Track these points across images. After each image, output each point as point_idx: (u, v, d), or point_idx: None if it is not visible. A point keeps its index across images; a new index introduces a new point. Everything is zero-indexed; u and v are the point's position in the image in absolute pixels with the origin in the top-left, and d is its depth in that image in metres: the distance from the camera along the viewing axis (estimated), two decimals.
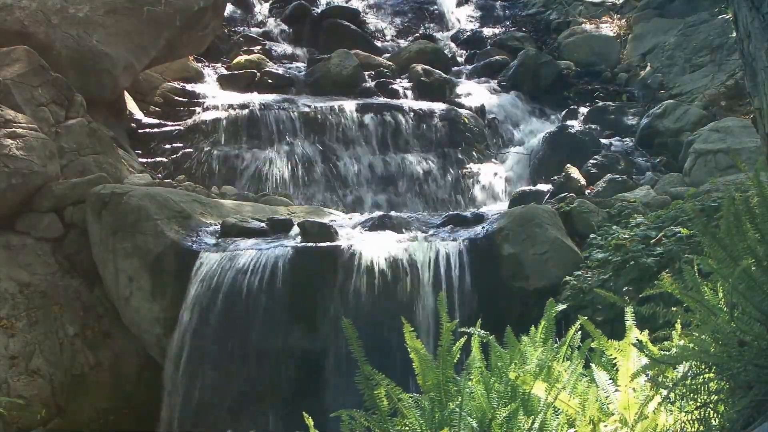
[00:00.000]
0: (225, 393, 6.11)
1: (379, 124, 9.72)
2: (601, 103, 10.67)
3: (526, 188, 8.76)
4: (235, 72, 11.16)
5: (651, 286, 3.32)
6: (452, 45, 13.02)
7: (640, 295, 4.25)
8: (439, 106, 10.21)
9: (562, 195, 7.64)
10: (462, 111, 10.28)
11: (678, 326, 3.21)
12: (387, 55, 12.23)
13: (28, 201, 7.03)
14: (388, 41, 13.16)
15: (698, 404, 2.75)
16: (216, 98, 10.13)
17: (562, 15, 13.35)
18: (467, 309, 5.89)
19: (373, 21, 13.61)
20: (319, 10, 13.21)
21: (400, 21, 13.81)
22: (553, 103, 11.11)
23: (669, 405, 2.89)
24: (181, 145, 9.32)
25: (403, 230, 6.65)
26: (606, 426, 3.07)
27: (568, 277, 5.91)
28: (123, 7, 8.91)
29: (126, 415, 6.81)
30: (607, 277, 5.77)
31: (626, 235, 6.00)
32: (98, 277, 6.88)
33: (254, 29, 12.89)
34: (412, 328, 3.45)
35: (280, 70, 11.30)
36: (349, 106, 9.87)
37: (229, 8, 12.57)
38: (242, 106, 9.73)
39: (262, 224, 6.82)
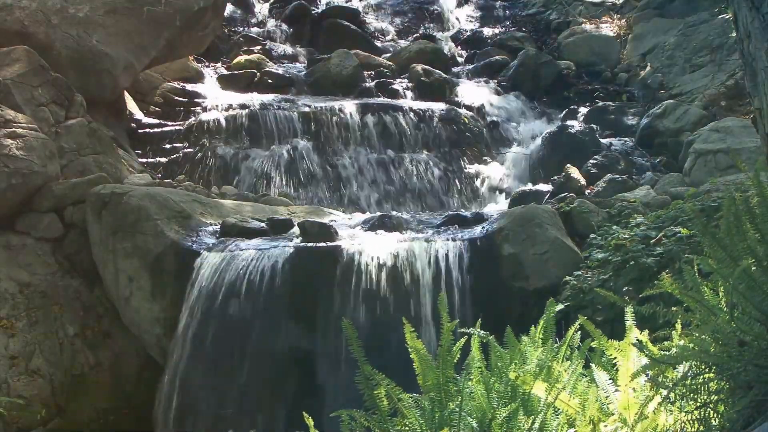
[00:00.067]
0: (225, 393, 6.11)
1: (379, 124, 9.72)
2: (601, 103, 10.67)
3: (526, 188, 8.76)
4: (235, 72, 11.16)
5: (651, 286, 3.32)
6: (452, 45, 13.02)
7: (640, 295, 4.26)
8: (439, 106, 10.20)
9: (562, 195, 7.64)
10: (462, 111, 10.27)
11: (678, 326, 3.21)
12: (387, 55, 12.22)
13: (28, 201, 7.03)
14: (388, 41, 13.15)
15: (698, 404, 2.75)
16: (216, 98, 10.13)
17: (562, 15, 13.35)
18: (467, 309, 5.89)
19: (373, 21, 13.61)
20: (319, 10, 13.21)
21: (400, 21, 13.81)
22: (553, 103, 11.11)
23: (669, 405, 2.89)
24: (181, 145, 9.32)
25: (403, 230, 6.65)
26: (606, 426, 3.07)
27: (568, 277, 5.91)
28: (123, 7, 8.91)
29: (126, 415, 6.80)
30: (607, 277, 5.77)
31: (626, 235, 6.00)
32: (98, 277, 6.88)
33: (254, 29, 12.90)
34: (413, 328, 3.45)
35: (280, 70, 11.31)
36: (349, 106, 9.87)
37: (229, 8, 12.57)
38: (242, 106, 9.73)
39: (262, 224, 6.82)
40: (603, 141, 9.62)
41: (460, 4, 14.32)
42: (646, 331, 3.34)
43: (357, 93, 10.66)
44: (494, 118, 10.54)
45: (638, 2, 12.68)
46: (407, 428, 3.23)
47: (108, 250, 6.66)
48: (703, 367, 2.72)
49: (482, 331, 3.59)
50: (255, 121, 9.54)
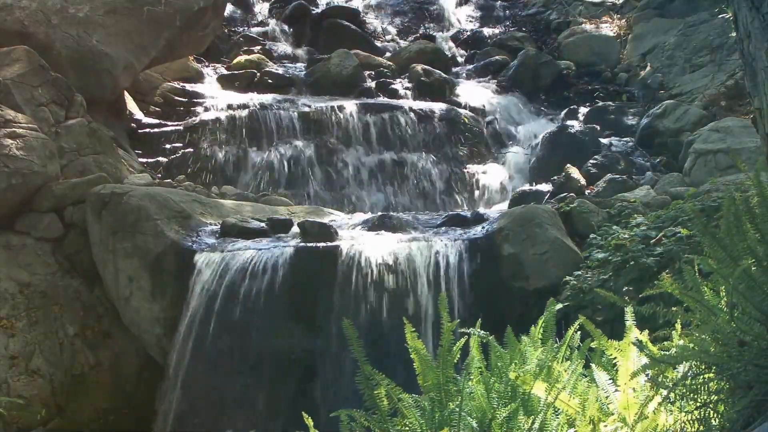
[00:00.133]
0: (225, 393, 6.11)
1: (379, 124, 9.72)
2: (601, 103, 10.67)
3: (526, 188, 8.76)
4: (235, 72, 11.17)
5: (651, 286, 3.31)
6: (452, 45, 13.02)
7: (640, 295, 4.25)
8: (439, 106, 10.20)
9: (562, 195, 7.64)
10: (462, 111, 10.27)
11: (678, 326, 3.21)
12: (387, 55, 12.23)
13: (28, 201, 7.03)
14: (388, 41, 13.16)
15: (698, 404, 2.75)
16: (216, 98, 10.13)
17: (562, 15, 13.35)
18: (467, 309, 5.89)
19: (373, 21, 13.61)
20: (319, 10, 13.21)
21: (400, 21, 13.81)
22: (553, 103, 11.11)
23: (669, 405, 2.89)
24: (181, 145, 9.31)
25: (403, 230, 6.65)
26: (606, 426, 3.07)
27: (568, 277, 5.91)
28: (123, 7, 8.92)
29: (126, 415, 6.80)
30: (607, 277, 5.77)
31: (626, 235, 6.00)
32: (98, 277, 6.88)
33: (254, 29, 12.89)
34: (413, 328, 3.45)
35: (280, 70, 11.31)
36: (349, 106, 9.87)
37: (229, 8, 12.57)
38: (242, 106, 9.73)
39: (262, 224, 6.82)
40: (603, 141, 9.62)
41: (460, 4, 14.31)
42: (646, 331, 3.34)
43: (357, 93, 10.66)
44: (494, 118, 10.54)
45: (638, 2, 12.68)
46: (407, 428, 3.23)
47: (108, 250, 6.66)
48: (703, 367, 2.73)
49: (482, 331, 3.59)
50: (255, 121, 9.54)
